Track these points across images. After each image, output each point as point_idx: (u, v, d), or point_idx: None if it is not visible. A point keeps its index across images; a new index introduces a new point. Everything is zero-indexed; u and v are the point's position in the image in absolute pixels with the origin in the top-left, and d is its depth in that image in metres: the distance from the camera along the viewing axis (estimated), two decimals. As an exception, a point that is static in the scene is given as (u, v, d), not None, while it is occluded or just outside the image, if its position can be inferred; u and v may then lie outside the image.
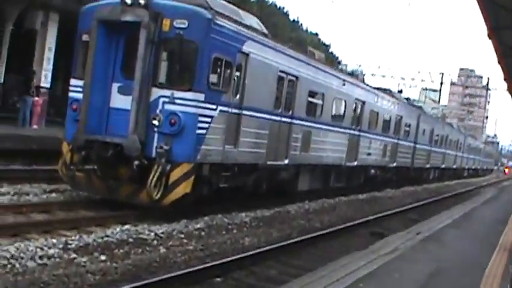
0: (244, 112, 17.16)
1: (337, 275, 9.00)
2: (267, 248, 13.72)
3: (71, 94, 16.66)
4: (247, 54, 17.02)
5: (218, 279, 11.23)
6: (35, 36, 27.71)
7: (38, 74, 27.67)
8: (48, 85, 28.24)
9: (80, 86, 16.09)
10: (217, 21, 15.62)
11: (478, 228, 17.59)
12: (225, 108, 16.26)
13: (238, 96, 16.86)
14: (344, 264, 10.11)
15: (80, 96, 15.97)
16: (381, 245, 12.66)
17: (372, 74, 74.23)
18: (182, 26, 15.09)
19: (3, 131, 22.57)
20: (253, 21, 18.81)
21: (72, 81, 16.77)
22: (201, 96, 15.27)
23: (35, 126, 26.63)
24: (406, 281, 9.38)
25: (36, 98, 26.86)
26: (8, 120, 26.65)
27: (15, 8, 26.36)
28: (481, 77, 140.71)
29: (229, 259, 12.08)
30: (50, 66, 28.07)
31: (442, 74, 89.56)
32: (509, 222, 13.14)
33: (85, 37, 16.23)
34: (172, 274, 10.42)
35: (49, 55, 27.79)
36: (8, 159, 21.27)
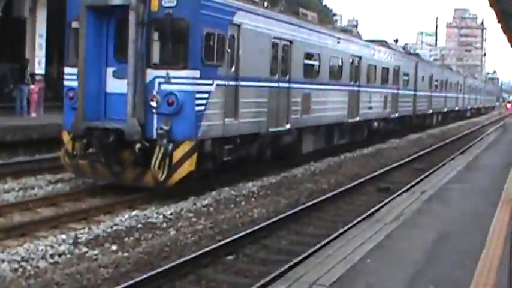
0: (241, 83, 17.11)
1: (343, 253, 8.99)
2: (276, 218, 13.74)
3: (66, 83, 16.64)
4: (238, 25, 16.91)
5: (230, 257, 11.27)
6: (24, 24, 27.51)
7: (32, 61, 27.51)
8: (42, 71, 28.10)
9: (74, 74, 16.04)
10: (206, -4, 15.51)
11: (482, 180, 17.49)
12: (222, 82, 16.21)
13: (233, 68, 16.81)
14: (350, 238, 10.07)
15: (75, 84, 15.94)
16: (387, 211, 12.61)
17: (367, 24, 73.74)
18: (171, 4, 14.99)
19: (2, 122, 22.54)
20: (242, -10, 18.65)
21: (66, 70, 16.75)
22: (197, 73, 15.21)
23: (33, 115, 26.56)
24: (413, 251, 9.34)
25: (32, 86, 26.75)
26: (5, 110, 26.62)
27: (2, -4, 26.18)
28: (476, 17, 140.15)
29: (239, 235, 12.09)
30: (43, 52, 27.90)
31: (437, 18, 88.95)
32: (511, 172, 12.97)
33: (75, 24, 16.15)
34: (184, 259, 10.45)
35: (40, 41, 27.62)
36: (10, 151, 21.31)
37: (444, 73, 53.60)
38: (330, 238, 11.70)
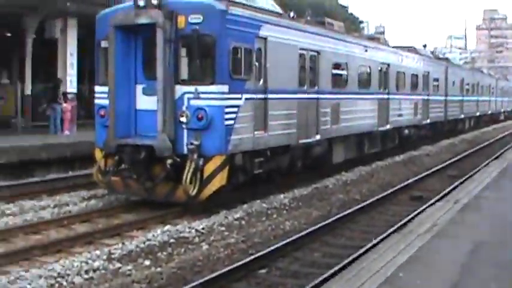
0: (270, 96, 17.19)
1: (376, 266, 8.94)
2: (308, 230, 13.77)
3: (97, 101, 16.90)
4: (265, 38, 17.00)
5: (263, 270, 11.31)
6: (56, 44, 27.94)
7: (64, 80, 27.90)
8: (74, 90, 28.51)
9: (104, 92, 16.32)
10: (231, 11, 15.64)
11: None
12: (250, 95, 16.31)
13: (261, 81, 16.90)
14: (383, 251, 10.01)
15: (106, 102, 16.20)
16: (419, 222, 12.50)
17: (395, 30, 73.41)
18: (197, 20, 15.15)
19: (36, 141, 22.95)
20: (267, 2, 18.77)
21: (97, 88, 17.03)
22: (225, 88, 15.34)
23: (66, 132, 26.96)
24: (447, 263, 9.20)
25: (65, 105, 27.17)
26: (39, 128, 27.12)
27: (34, 18, 26.56)
28: (506, 17, 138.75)
29: (271, 249, 12.14)
30: (74, 71, 28.30)
31: (466, 21, 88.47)
32: None
33: (104, 44, 16.41)
34: (216, 273, 10.53)
35: (72, 60, 28.02)
36: (45, 169, 21.69)
37: (475, 76, 53.21)
38: (362, 250, 11.69)
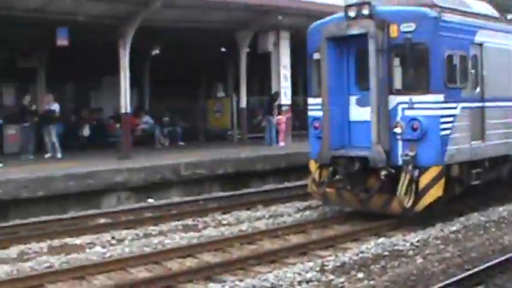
0: (487, 104, 16.52)
1: None
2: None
3: (310, 113, 17.12)
4: (480, 44, 16.40)
5: (479, 287, 10.86)
6: (269, 57, 28.66)
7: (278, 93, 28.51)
8: (289, 101, 28.98)
9: (318, 104, 16.47)
10: (444, 18, 15.22)
11: None
12: (466, 104, 15.77)
13: (478, 89, 16.30)
14: None
15: (319, 114, 16.35)
16: None
17: None
18: (409, 29, 14.87)
19: (252, 152, 23.69)
20: (481, 6, 18.12)
21: (310, 100, 17.23)
22: (440, 97, 14.96)
23: (281, 144, 27.57)
24: None
25: (280, 116, 27.82)
26: (254, 140, 27.99)
27: (247, 33, 27.49)
28: None
29: (488, 264, 11.60)
30: (288, 83, 28.76)
31: None
32: None
33: (316, 56, 16.57)
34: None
35: (285, 72, 28.54)
36: (260, 180, 22.34)
37: None
38: None
